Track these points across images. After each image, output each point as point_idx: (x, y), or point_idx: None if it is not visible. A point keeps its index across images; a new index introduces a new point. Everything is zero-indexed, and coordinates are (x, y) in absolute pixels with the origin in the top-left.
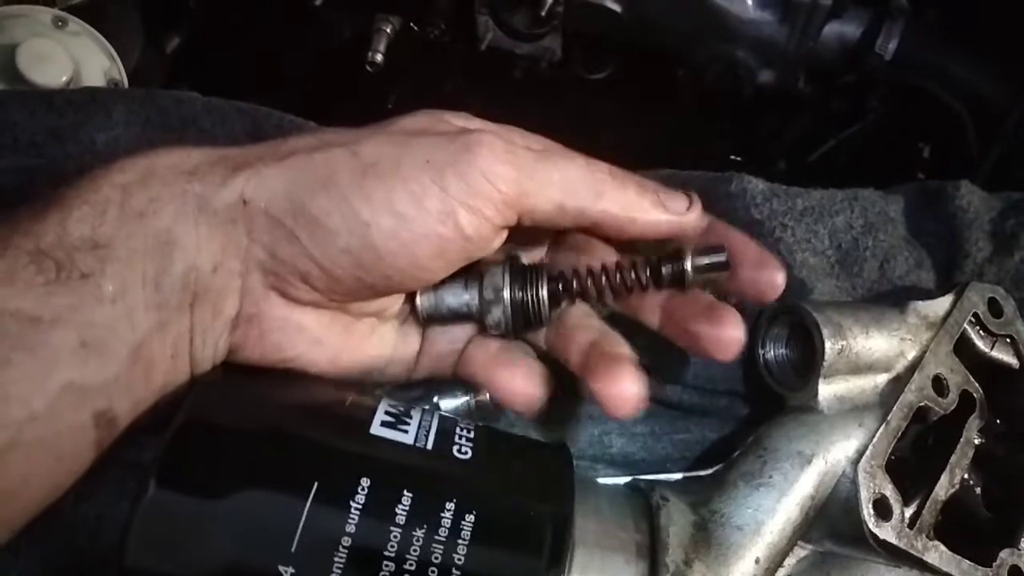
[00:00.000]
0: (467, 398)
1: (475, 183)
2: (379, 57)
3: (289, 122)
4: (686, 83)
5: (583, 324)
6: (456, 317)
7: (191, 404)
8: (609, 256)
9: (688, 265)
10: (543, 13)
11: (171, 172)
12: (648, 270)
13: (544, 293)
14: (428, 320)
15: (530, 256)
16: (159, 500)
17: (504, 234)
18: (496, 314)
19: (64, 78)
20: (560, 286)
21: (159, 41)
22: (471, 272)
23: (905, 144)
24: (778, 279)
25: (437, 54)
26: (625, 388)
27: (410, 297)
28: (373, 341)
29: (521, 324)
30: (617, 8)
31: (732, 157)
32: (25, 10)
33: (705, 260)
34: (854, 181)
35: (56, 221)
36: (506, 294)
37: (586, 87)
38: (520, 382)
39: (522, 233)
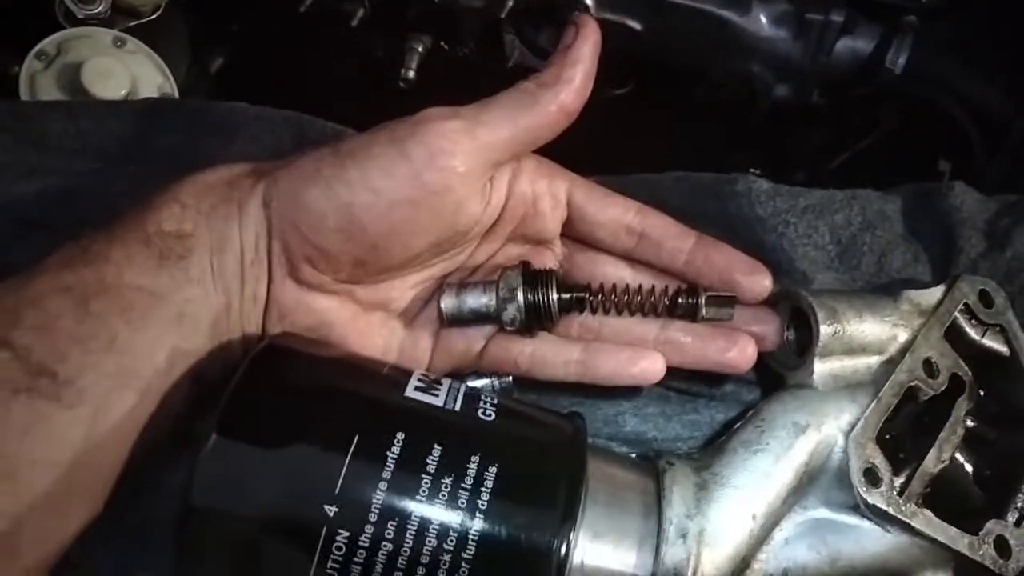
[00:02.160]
0: (491, 380)
1: (431, 142)
2: (411, 74)
3: (331, 129)
4: (705, 97)
5: None
6: (476, 318)
7: (247, 366)
8: (620, 269)
9: (703, 307)
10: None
11: (220, 183)
12: (664, 300)
13: (554, 296)
14: (452, 321)
15: (542, 264)
16: (221, 446)
17: (484, 199)
18: (511, 311)
19: (123, 92)
20: (575, 294)
21: (204, 59)
22: (489, 280)
23: (921, 155)
24: (766, 283)
25: (466, 71)
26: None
27: (418, 296)
28: (382, 333)
29: (534, 321)
30: (638, 26)
31: (752, 170)
32: (88, 31)
33: (715, 311)
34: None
35: (153, 219)
36: (520, 294)
37: (608, 102)
38: None
39: (531, 241)
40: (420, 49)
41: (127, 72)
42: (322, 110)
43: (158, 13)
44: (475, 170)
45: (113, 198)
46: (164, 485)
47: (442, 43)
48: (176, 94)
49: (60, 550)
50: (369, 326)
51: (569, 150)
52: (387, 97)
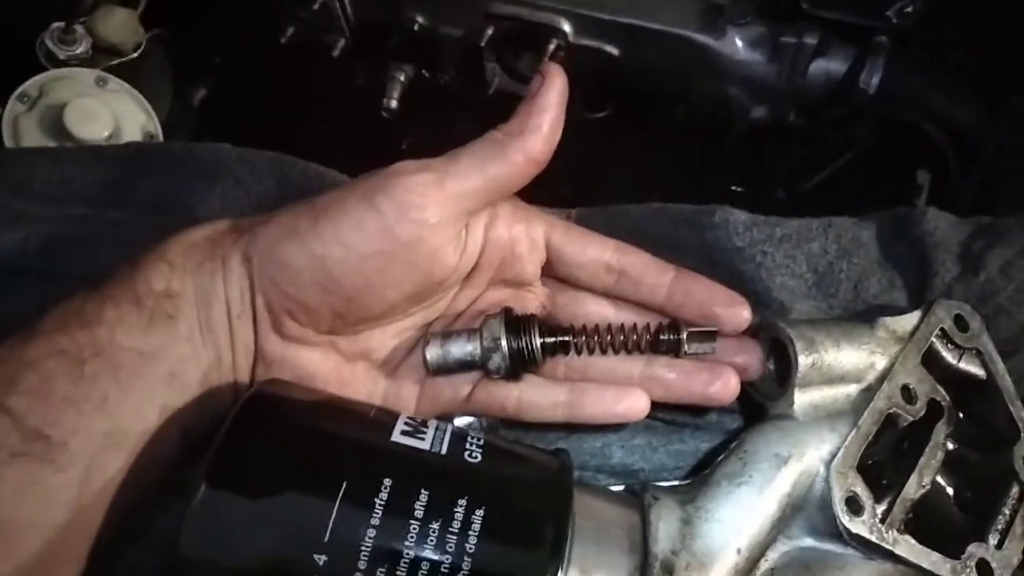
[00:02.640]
0: (476, 419)
1: (400, 196)
2: (394, 103)
3: (313, 171)
4: (683, 120)
5: None
6: (461, 367)
7: (234, 416)
8: (602, 307)
9: (685, 343)
10: (546, 58)
11: (205, 241)
12: (647, 337)
13: (537, 342)
14: (437, 371)
15: (524, 309)
16: (209, 497)
17: (458, 248)
18: (496, 360)
19: (106, 133)
20: (558, 337)
21: (187, 94)
22: (472, 328)
23: (898, 173)
24: (744, 315)
25: (448, 99)
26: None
27: (400, 345)
28: (365, 383)
29: (519, 367)
30: (616, 52)
31: (733, 188)
32: (71, 72)
33: (697, 345)
34: (851, 209)
35: (143, 279)
36: (503, 342)
37: (588, 126)
38: None
39: (512, 284)
40: (402, 78)
41: (110, 112)
42: (305, 141)
43: (139, 51)
44: (447, 220)
45: (97, 244)
46: (151, 534)
47: (424, 71)
48: (159, 132)
49: None
50: (353, 376)
51: (549, 175)
52: (370, 126)
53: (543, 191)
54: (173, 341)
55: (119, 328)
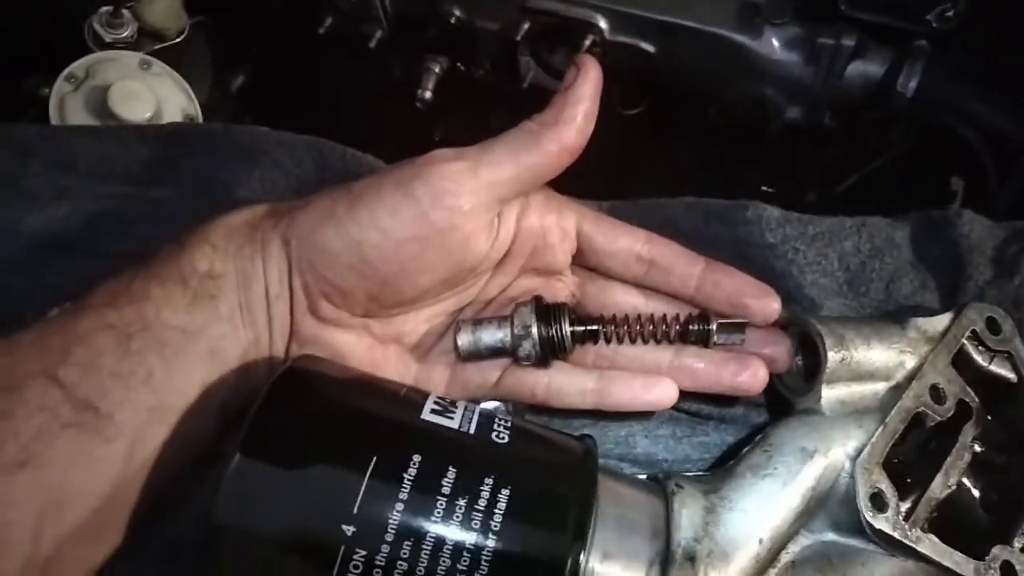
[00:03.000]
0: (503, 404)
1: (435, 182)
2: (428, 95)
3: (351, 155)
4: (718, 119)
5: None
6: (492, 353)
7: (269, 388)
8: (631, 297)
9: (714, 334)
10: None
11: (245, 225)
12: (676, 327)
13: (567, 329)
14: (468, 357)
15: (553, 298)
16: (243, 466)
17: (491, 235)
18: (527, 347)
19: (148, 114)
20: (587, 326)
21: (226, 80)
22: (503, 315)
23: (933, 177)
24: (774, 306)
25: (482, 92)
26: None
27: (432, 330)
28: (397, 366)
29: (549, 354)
30: (651, 49)
31: (764, 188)
32: (116, 55)
33: (726, 336)
34: (883, 214)
35: (188, 259)
36: (534, 330)
37: (622, 122)
38: None
39: (543, 273)
40: (437, 70)
41: (152, 94)
42: (341, 129)
43: (182, 36)
44: (480, 208)
45: (137, 223)
46: (188, 505)
47: (459, 64)
48: (199, 115)
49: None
50: (385, 359)
51: (583, 170)
52: (405, 116)
53: (577, 184)
54: (214, 320)
55: (165, 306)
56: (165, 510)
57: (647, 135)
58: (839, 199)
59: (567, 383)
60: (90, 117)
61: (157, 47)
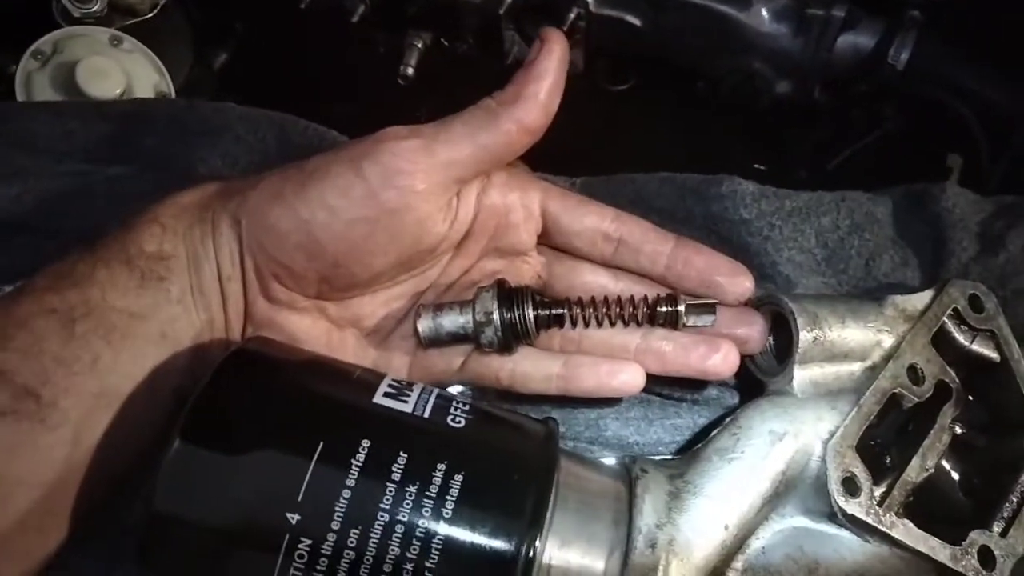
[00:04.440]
0: (468, 389)
1: (387, 161)
2: (410, 71)
3: (314, 130)
4: (706, 94)
5: None
6: (454, 339)
7: (214, 372)
8: (600, 277)
9: (683, 315)
10: (565, 27)
11: (196, 204)
12: (644, 309)
13: (530, 314)
14: (429, 344)
15: (518, 280)
16: (183, 452)
17: (449, 216)
18: (489, 333)
19: (117, 91)
20: (552, 310)
21: (207, 58)
22: (465, 300)
23: (926, 153)
24: (746, 284)
25: (466, 68)
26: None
27: (391, 314)
28: (354, 351)
29: (512, 341)
30: (637, 22)
31: (755, 166)
32: (85, 30)
33: (695, 318)
34: (876, 189)
35: (135, 240)
36: (496, 315)
37: (609, 98)
38: None
39: (507, 254)
40: (420, 45)
41: (122, 71)
42: (323, 107)
43: (156, 11)
44: (435, 188)
45: (95, 200)
46: (137, 492)
47: (442, 40)
48: (172, 93)
49: (39, 567)
50: (342, 344)
51: (570, 146)
52: (387, 93)
53: (562, 164)
54: (165, 302)
55: (110, 289)
56: (119, 500)
57: (635, 112)
58: (830, 177)
59: (532, 369)
60: (57, 95)
61: (129, 22)
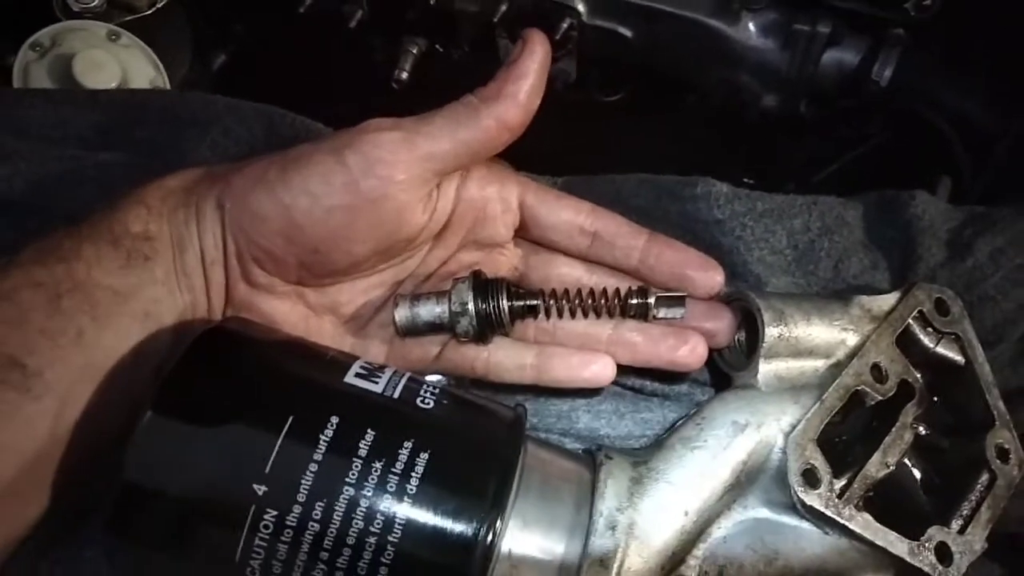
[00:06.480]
0: (446, 378)
1: (368, 151)
2: (404, 75)
3: (301, 123)
4: (694, 106)
5: None
6: (430, 329)
7: (188, 347)
8: (575, 269)
9: (653, 307)
10: (558, 37)
11: (181, 188)
12: (616, 301)
13: (505, 304)
14: (406, 333)
15: (495, 271)
16: (154, 423)
17: (428, 207)
18: (464, 324)
19: (113, 84)
20: (526, 301)
21: (206, 59)
22: (442, 290)
23: (910, 168)
24: (717, 278)
25: (460, 74)
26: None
27: (369, 302)
28: (332, 337)
29: (487, 331)
30: (628, 33)
31: (745, 180)
32: (84, 24)
33: (666, 310)
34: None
35: (120, 220)
36: (471, 306)
37: (600, 108)
38: None
39: (484, 245)
40: (415, 51)
41: (118, 65)
42: (319, 109)
43: (153, 9)
44: (415, 179)
45: (84, 185)
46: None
47: (437, 46)
48: (168, 87)
49: (17, 535)
50: (320, 330)
51: (560, 155)
52: (381, 97)
53: (550, 171)
54: (149, 282)
55: (96, 266)
56: (97, 473)
57: (625, 123)
58: (817, 190)
59: (506, 358)
60: (54, 86)
61: (128, 18)
